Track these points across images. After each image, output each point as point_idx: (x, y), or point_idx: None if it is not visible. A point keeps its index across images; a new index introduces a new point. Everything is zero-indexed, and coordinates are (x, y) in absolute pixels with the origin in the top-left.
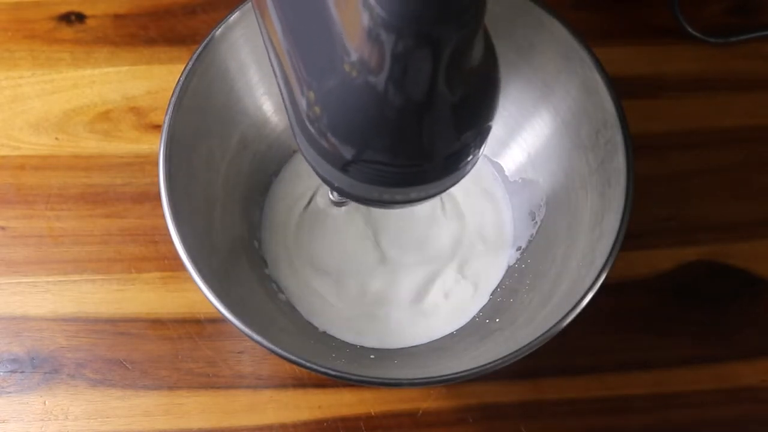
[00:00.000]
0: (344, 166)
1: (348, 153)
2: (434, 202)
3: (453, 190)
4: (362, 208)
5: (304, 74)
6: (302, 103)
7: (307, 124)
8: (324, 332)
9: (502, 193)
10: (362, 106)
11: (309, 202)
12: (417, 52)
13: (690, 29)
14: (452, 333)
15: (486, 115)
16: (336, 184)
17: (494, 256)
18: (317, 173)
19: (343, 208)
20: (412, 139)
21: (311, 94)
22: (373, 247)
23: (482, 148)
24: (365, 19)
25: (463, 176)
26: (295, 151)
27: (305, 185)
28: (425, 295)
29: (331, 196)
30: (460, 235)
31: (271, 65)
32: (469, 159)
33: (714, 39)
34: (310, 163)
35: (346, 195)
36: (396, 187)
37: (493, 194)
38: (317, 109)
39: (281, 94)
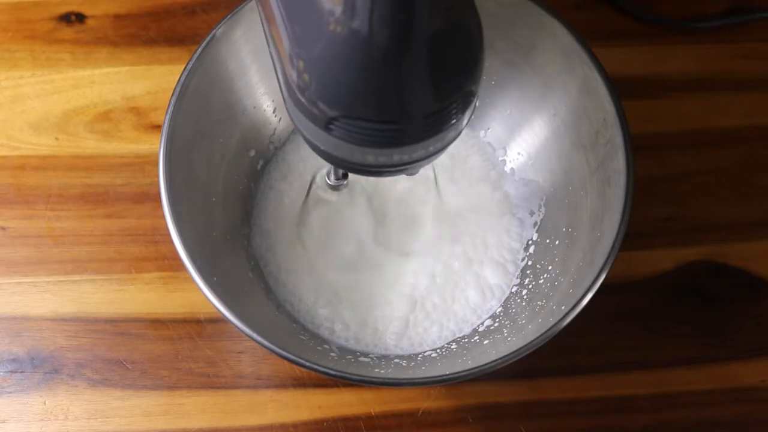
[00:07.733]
0: (330, 127)
1: (335, 112)
2: (434, 199)
3: (454, 184)
4: (363, 204)
5: (295, 48)
6: (293, 75)
7: (298, 94)
8: (324, 332)
9: (506, 192)
10: (346, 62)
11: (307, 197)
12: None
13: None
14: (453, 333)
15: (466, 75)
16: (324, 148)
17: (495, 254)
18: (309, 142)
19: (342, 190)
20: (394, 92)
21: (300, 64)
22: (375, 245)
23: (466, 115)
24: None
25: (446, 144)
26: (292, 148)
27: (304, 183)
28: (427, 295)
29: (327, 180)
30: (462, 232)
31: (270, 55)
32: (451, 123)
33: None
34: (303, 135)
35: (335, 162)
36: (379, 147)
37: (500, 190)
38: (306, 77)
39: (276, 77)
